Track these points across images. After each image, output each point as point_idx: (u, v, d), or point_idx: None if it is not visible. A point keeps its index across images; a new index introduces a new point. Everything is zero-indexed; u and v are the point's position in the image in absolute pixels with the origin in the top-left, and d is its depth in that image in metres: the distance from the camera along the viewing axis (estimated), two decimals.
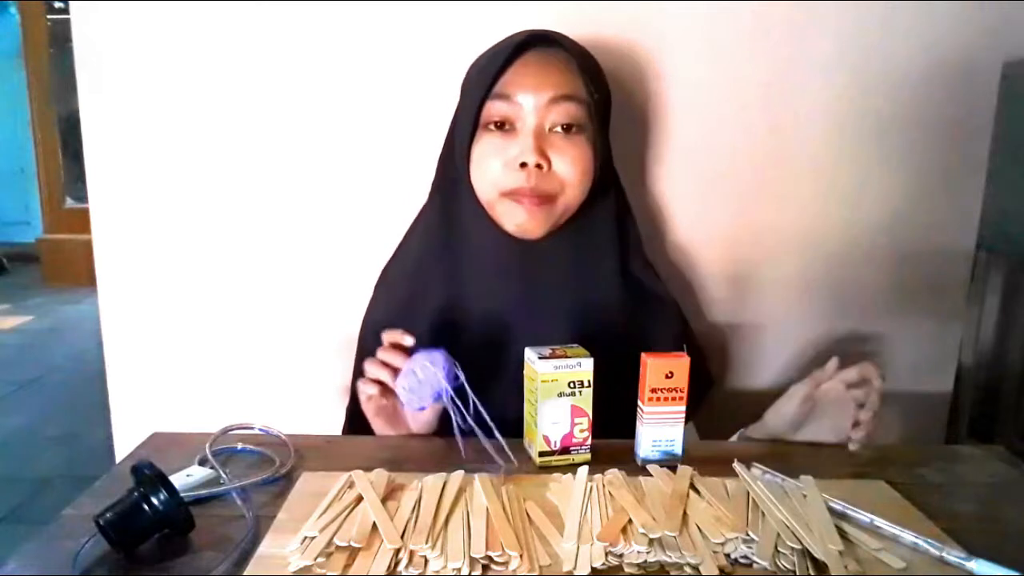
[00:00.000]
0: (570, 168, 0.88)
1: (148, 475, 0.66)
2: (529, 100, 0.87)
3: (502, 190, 0.88)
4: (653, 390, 0.79)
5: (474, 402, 0.79)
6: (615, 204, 0.98)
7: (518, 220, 0.89)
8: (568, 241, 0.93)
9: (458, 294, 0.94)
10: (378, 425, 0.88)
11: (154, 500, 0.64)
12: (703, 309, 1.22)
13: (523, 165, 0.86)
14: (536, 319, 0.92)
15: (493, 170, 0.89)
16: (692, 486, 0.73)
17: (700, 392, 1.04)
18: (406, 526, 0.65)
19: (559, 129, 0.88)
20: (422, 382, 0.79)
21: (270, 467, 0.79)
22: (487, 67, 0.90)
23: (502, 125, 0.88)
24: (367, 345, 1.01)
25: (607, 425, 0.83)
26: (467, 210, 0.93)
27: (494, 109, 0.88)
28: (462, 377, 0.80)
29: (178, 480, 0.73)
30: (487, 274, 0.94)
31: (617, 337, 0.86)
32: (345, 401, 1.02)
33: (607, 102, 0.94)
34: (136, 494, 0.65)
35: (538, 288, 0.93)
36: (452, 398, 0.79)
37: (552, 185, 0.88)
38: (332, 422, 1.04)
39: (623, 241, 0.98)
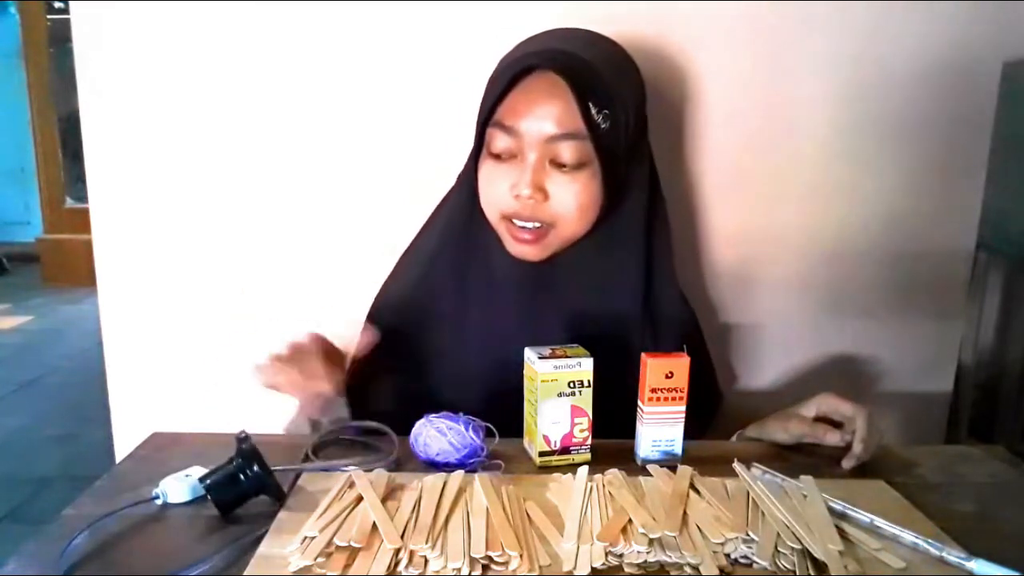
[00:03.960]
0: (569, 203, 0.87)
1: (245, 449, 0.71)
2: (531, 134, 0.85)
3: (503, 212, 0.89)
4: (653, 390, 0.79)
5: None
6: (646, 211, 0.94)
7: (514, 249, 0.90)
8: (587, 252, 0.92)
9: (468, 300, 0.94)
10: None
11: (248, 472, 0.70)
12: (702, 309, 1.21)
13: (519, 196, 0.86)
14: (545, 331, 0.90)
15: (496, 192, 0.88)
16: (692, 486, 0.73)
17: (711, 409, 1.04)
18: (406, 526, 0.65)
19: (561, 164, 0.86)
20: (450, 444, 0.80)
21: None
22: (490, 91, 0.88)
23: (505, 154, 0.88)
24: (376, 315, 1.01)
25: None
26: (482, 220, 0.92)
27: (497, 140, 0.87)
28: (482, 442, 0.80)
29: (176, 480, 0.73)
30: (498, 282, 0.93)
31: (627, 353, 0.85)
32: None
33: (635, 117, 0.89)
34: (234, 464, 0.70)
35: (550, 300, 0.93)
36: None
37: (548, 215, 0.87)
38: None
39: (650, 254, 0.95)
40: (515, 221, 0.88)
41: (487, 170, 0.89)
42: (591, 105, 0.83)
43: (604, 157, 0.86)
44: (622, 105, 0.87)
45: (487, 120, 0.87)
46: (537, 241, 0.88)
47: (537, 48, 0.87)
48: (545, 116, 0.84)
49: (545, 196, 0.86)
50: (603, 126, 0.85)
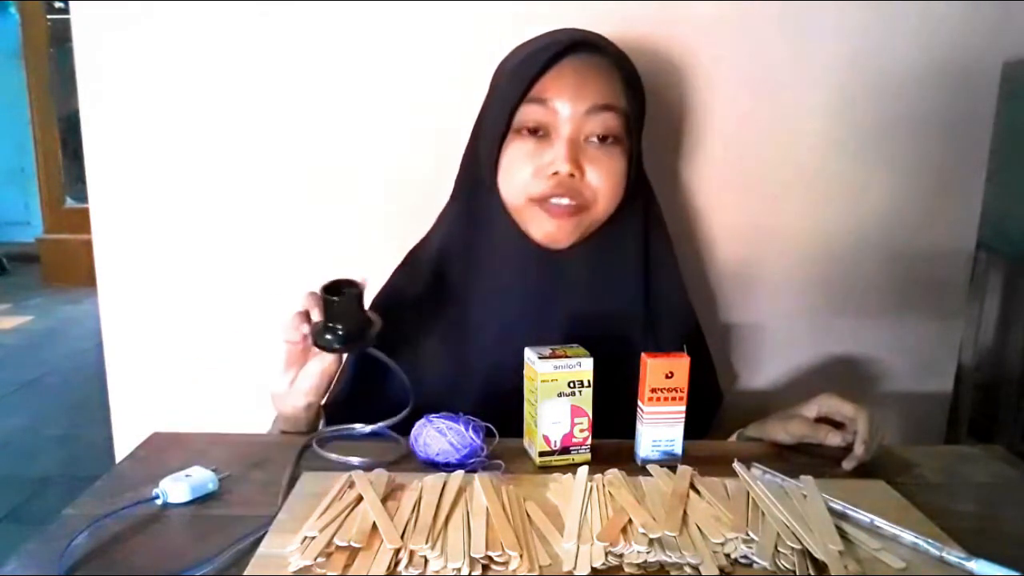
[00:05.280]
0: (603, 180, 0.86)
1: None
2: (567, 107, 0.84)
3: (531, 196, 0.87)
4: (653, 390, 0.79)
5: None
6: (643, 218, 0.95)
7: (546, 228, 0.88)
8: (591, 254, 0.92)
9: (471, 298, 0.94)
10: (278, 371, 0.89)
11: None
12: (702, 309, 1.21)
13: (555, 173, 0.85)
14: (547, 331, 0.90)
15: (523, 176, 0.87)
16: (692, 486, 0.73)
17: (711, 409, 1.04)
18: (406, 526, 0.65)
19: (595, 139, 0.86)
20: (450, 444, 0.79)
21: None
22: (523, 70, 0.86)
23: (536, 131, 0.86)
24: (376, 309, 1.00)
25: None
26: (491, 214, 0.91)
27: (529, 114, 0.85)
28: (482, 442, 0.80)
29: (176, 480, 0.73)
30: (503, 281, 0.93)
31: (628, 354, 0.84)
32: None
33: (643, 111, 0.92)
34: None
35: (554, 300, 0.92)
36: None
37: (583, 195, 0.86)
38: None
39: (648, 258, 0.95)
40: (551, 200, 0.87)
41: (514, 152, 0.87)
42: (624, 84, 0.86)
43: (630, 138, 0.88)
44: (640, 98, 0.90)
45: (518, 101, 0.86)
46: (573, 215, 0.87)
47: (557, 38, 0.88)
48: (582, 90, 0.85)
49: (582, 173, 0.86)
50: (633, 105, 0.87)
